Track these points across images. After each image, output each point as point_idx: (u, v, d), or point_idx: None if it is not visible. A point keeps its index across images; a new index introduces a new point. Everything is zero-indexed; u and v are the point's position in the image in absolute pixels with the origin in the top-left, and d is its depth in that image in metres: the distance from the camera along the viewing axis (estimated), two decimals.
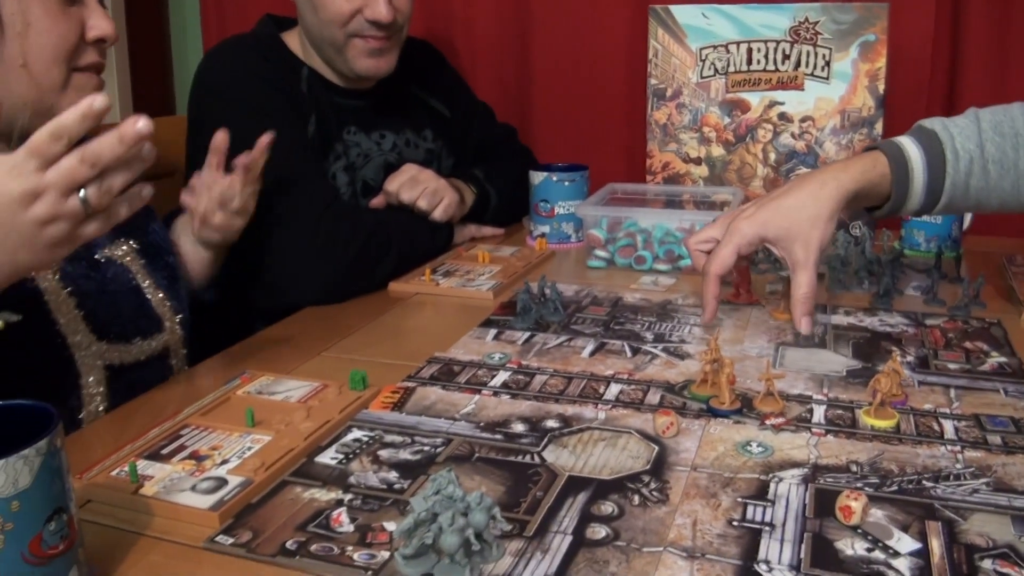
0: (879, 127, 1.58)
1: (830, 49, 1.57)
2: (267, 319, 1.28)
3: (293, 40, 1.58)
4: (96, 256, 1.10)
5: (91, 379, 1.04)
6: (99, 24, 1.02)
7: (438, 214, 1.53)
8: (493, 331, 1.19)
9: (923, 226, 1.50)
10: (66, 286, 1.03)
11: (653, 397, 0.96)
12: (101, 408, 1.03)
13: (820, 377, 1.00)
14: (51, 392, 0.99)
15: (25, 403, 0.64)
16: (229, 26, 2.24)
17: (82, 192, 0.73)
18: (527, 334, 1.17)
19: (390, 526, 0.72)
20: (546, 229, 1.64)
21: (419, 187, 1.52)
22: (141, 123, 0.72)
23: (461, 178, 1.65)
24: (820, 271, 1.16)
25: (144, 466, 0.82)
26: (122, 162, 0.74)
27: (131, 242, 1.15)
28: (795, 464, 0.81)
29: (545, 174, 1.62)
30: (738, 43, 1.62)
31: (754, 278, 1.30)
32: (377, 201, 1.55)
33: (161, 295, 1.16)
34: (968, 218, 1.54)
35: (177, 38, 2.49)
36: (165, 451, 0.85)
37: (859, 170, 1.09)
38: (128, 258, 1.14)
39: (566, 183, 1.61)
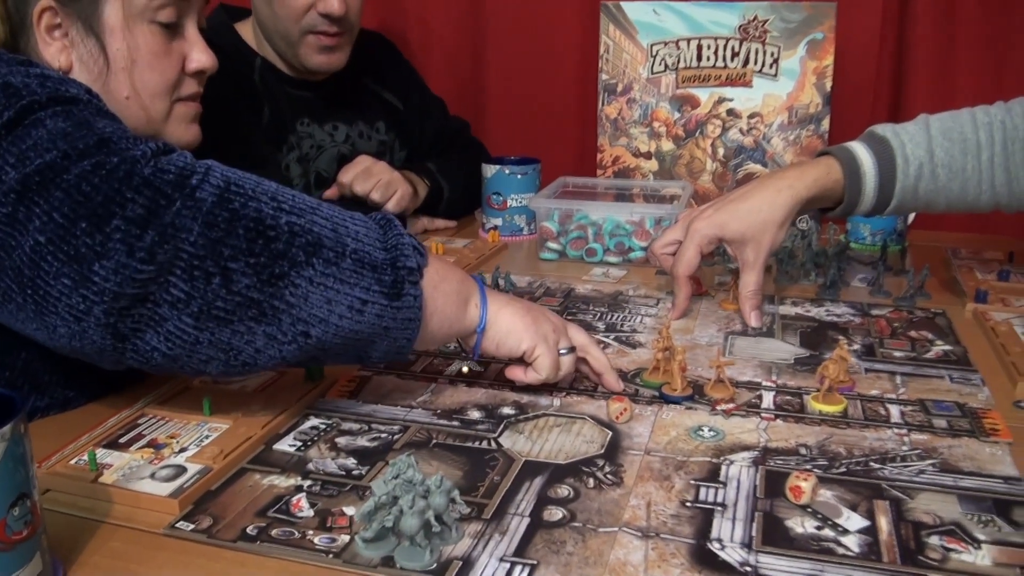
0: (826, 124, 1.62)
1: (779, 47, 1.61)
2: None
3: (246, 30, 1.58)
4: None
5: None
6: (199, 57, 1.04)
7: (391, 206, 1.54)
8: None
9: (868, 220, 1.54)
10: None
11: None
12: None
13: (769, 365, 1.03)
14: None
15: None
16: None
17: (563, 349, 0.92)
18: None
19: (350, 511, 0.73)
20: (499, 222, 1.65)
21: (373, 179, 1.53)
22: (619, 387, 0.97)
23: (414, 171, 1.66)
24: (768, 264, 1.19)
25: (102, 455, 0.82)
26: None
27: None
28: (745, 447, 0.83)
29: (498, 167, 1.63)
30: (688, 39, 1.65)
31: (703, 270, 1.32)
32: (330, 193, 1.55)
33: None
34: (912, 214, 1.58)
35: None
36: (123, 440, 0.85)
37: (813, 178, 1.13)
38: None
39: (518, 176, 1.63)
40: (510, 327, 0.89)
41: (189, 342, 0.74)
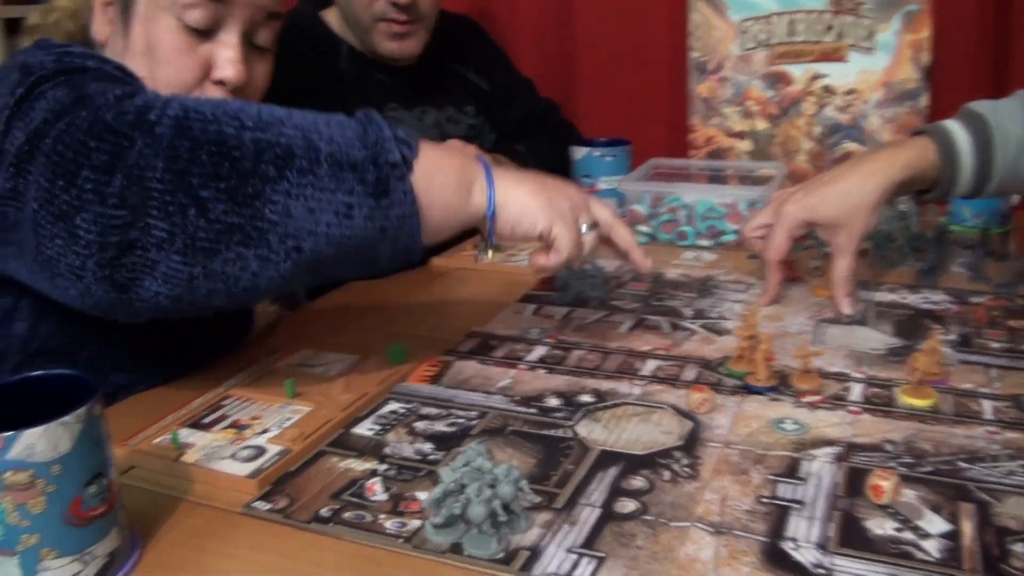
0: (924, 100, 1.56)
1: (873, 19, 1.55)
2: (311, 293, 1.30)
3: (333, 18, 1.59)
4: None
5: (256, 331, 1.12)
6: (223, 67, 0.99)
7: None
8: (532, 306, 1.19)
9: (970, 201, 1.47)
10: None
11: (689, 373, 0.96)
12: None
13: (859, 355, 1.00)
14: (230, 337, 1.08)
15: (68, 373, 0.66)
16: None
17: (585, 226, 0.90)
18: (566, 309, 1.17)
19: (422, 496, 0.73)
20: None
21: None
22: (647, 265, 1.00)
23: (503, 154, 1.65)
24: (864, 247, 1.15)
25: (186, 434, 0.84)
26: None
27: None
28: (829, 442, 0.80)
29: (587, 150, 1.61)
30: (779, 14, 1.60)
31: (798, 255, 1.29)
32: None
33: None
34: (1016, 195, 1.51)
35: None
36: (207, 420, 0.87)
37: (907, 159, 1.09)
38: None
39: (608, 158, 1.61)
40: (523, 208, 0.86)
41: (185, 279, 0.73)
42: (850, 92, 1.59)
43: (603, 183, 1.61)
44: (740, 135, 1.68)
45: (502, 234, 0.88)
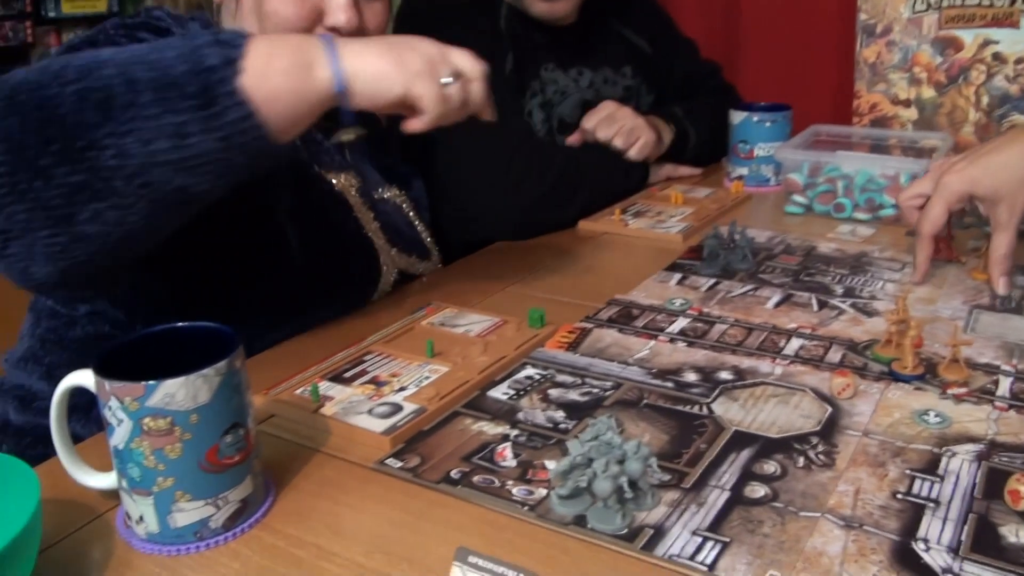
0: None
1: None
2: (448, 254, 1.32)
3: None
4: (375, 194, 1.19)
5: (390, 279, 1.15)
6: (334, 12, 1.00)
7: (633, 153, 1.52)
8: (678, 276, 1.18)
9: None
10: (365, 202, 1.14)
11: (834, 355, 0.93)
12: None
13: (1012, 346, 0.95)
14: (360, 285, 1.12)
15: (213, 326, 0.69)
16: None
17: (447, 78, 0.84)
18: (712, 281, 1.15)
19: (551, 464, 0.74)
20: (744, 171, 1.60)
21: (616, 125, 1.51)
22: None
23: (660, 116, 1.63)
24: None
25: (326, 387, 0.87)
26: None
27: (401, 191, 1.25)
28: (971, 439, 0.77)
29: (745, 114, 1.57)
30: None
31: (957, 234, 1.23)
32: (574, 138, 1.55)
33: (426, 233, 1.26)
34: None
35: None
36: (348, 374, 0.90)
37: None
38: (399, 199, 1.24)
39: (767, 124, 1.56)
40: (374, 75, 0.81)
41: (60, 251, 0.73)
42: (1020, 61, 1.49)
43: (760, 149, 1.57)
44: (906, 103, 1.60)
45: (363, 107, 0.82)
